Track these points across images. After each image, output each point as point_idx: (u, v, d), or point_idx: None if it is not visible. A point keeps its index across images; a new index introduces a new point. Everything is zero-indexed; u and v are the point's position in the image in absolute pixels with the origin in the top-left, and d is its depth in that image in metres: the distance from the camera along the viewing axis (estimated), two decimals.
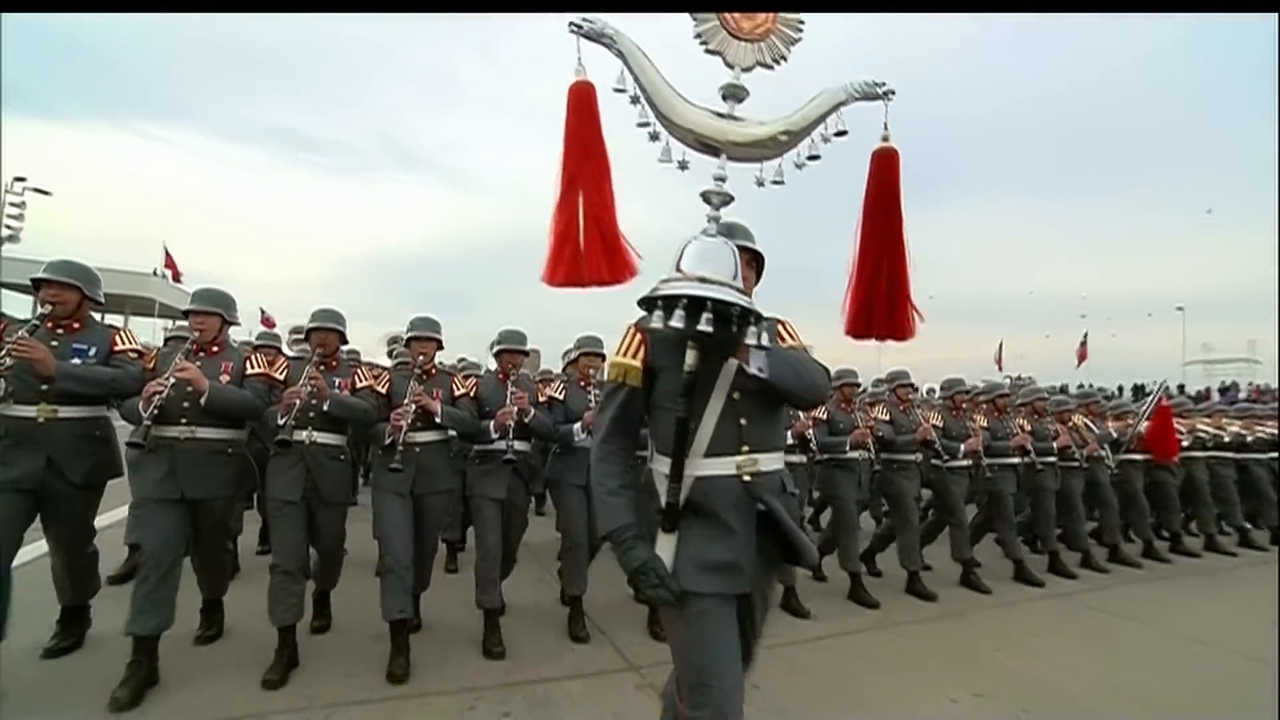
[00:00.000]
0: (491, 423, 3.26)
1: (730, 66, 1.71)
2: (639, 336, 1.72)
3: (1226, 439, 6.49)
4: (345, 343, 3.32)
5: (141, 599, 2.61)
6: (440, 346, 3.33)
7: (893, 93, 1.74)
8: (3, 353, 2.47)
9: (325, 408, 2.92)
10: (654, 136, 1.70)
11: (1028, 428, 5.02)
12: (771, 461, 1.67)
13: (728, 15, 1.70)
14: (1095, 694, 3.01)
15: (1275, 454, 6.56)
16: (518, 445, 3.32)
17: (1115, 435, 5.63)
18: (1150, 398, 5.91)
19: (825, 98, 1.74)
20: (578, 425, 3.38)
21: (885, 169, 1.81)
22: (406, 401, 3.04)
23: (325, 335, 3.13)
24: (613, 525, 1.61)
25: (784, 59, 1.74)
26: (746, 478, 1.62)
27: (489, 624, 3.19)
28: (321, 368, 3.04)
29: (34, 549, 3.05)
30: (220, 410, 2.81)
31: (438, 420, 3.14)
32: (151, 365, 2.88)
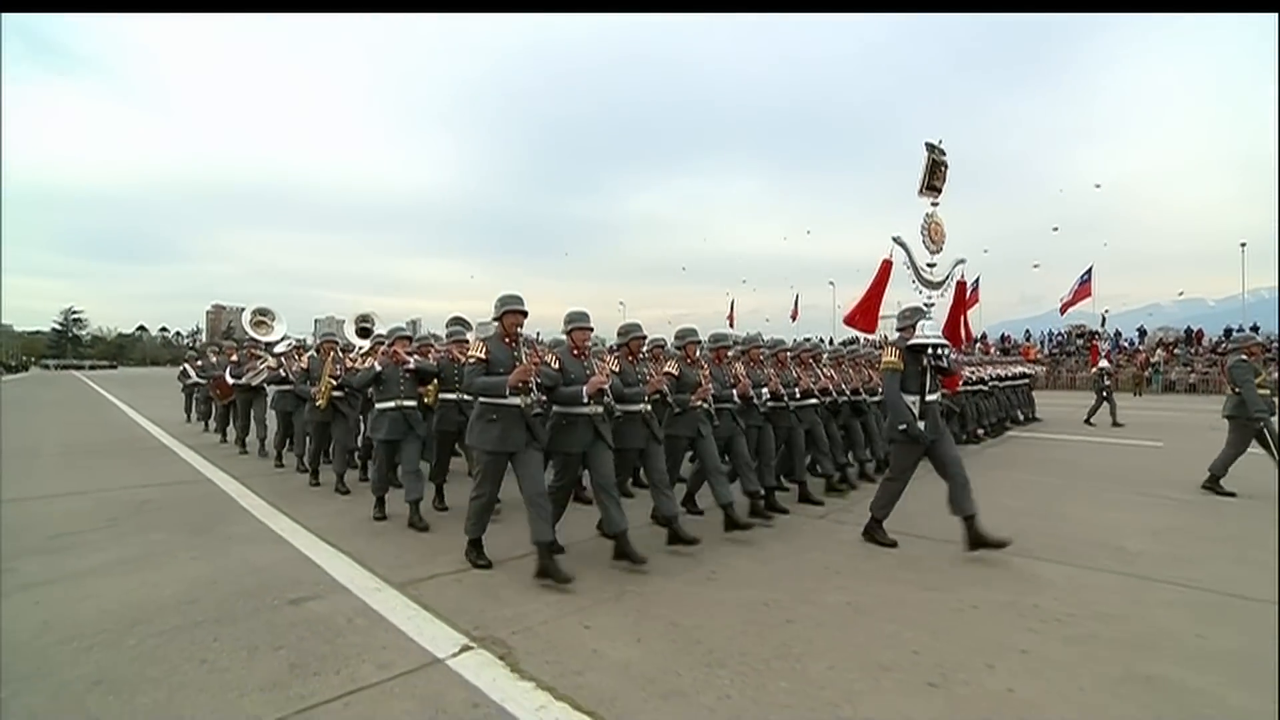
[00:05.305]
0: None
1: (930, 252, 4.62)
2: (898, 351, 4.53)
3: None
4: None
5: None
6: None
7: (964, 260, 4.86)
8: (528, 367, 4.02)
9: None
10: (915, 283, 4.52)
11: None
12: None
13: (933, 232, 4.59)
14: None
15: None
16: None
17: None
18: None
19: (950, 264, 4.78)
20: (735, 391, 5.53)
21: (960, 291, 4.93)
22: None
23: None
24: (908, 417, 4.43)
25: (941, 249, 4.70)
26: (940, 400, 4.62)
27: (728, 518, 5.10)
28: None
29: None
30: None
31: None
32: (558, 368, 4.57)
